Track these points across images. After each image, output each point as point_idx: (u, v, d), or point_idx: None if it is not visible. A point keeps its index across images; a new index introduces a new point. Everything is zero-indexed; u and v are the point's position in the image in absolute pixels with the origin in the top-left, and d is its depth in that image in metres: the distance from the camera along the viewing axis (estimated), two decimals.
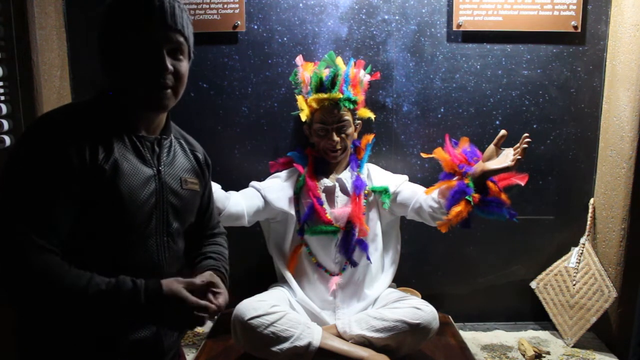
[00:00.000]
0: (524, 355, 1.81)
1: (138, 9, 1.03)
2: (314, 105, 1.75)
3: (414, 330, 1.56)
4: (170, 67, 1.05)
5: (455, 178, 1.56)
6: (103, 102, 1.07)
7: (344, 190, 1.80)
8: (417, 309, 1.59)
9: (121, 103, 1.07)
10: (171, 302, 1.00)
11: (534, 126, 2.01)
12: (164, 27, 1.04)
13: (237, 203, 1.72)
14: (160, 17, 1.04)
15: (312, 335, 1.52)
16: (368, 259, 1.78)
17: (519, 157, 1.42)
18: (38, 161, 0.96)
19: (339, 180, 1.81)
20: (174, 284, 1.02)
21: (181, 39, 1.07)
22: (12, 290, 0.94)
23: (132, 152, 1.07)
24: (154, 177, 1.10)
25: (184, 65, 1.09)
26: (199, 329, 2.00)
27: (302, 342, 1.50)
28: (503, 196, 1.50)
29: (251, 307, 1.54)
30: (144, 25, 1.03)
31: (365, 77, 1.84)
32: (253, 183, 1.83)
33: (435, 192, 1.62)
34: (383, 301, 1.74)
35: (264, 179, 1.88)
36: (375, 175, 1.85)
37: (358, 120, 1.84)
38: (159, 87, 1.05)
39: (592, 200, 2.02)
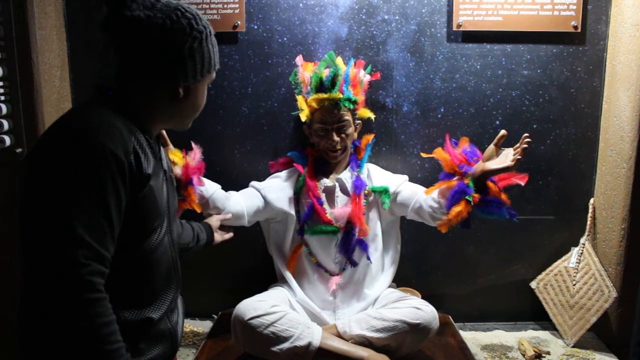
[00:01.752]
0: (524, 355, 1.81)
1: (216, 51, 1.14)
2: (314, 105, 1.75)
3: (414, 330, 1.56)
4: None
5: (455, 178, 1.56)
6: (115, 104, 1.04)
7: (344, 190, 1.80)
8: (417, 309, 1.59)
9: (129, 105, 1.06)
10: None
11: (534, 126, 2.01)
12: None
13: (237, 203, 1.73)
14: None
15: (312, 335, 1.52)
16: (368, 259, 1.78)
17: (519, 157, 1.42)
18: (96, 176, 0.90)
19: (339, 180, 1.81)
20: None
21: None
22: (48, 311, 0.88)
23: (152, 154, 1.07)
24: (164, 178, 1.13)
25: None
26: (199, 329, 2.00)
27: (302, 342, 1.50)
28: (503, 196, 1.50)
29: (251, 307, 1.54)
30: (218, 66, 1.16)
31: (365, 77, 1.84)
32: (253, 183, 1.83)
33: (435, 192, 1.62)
34: (383, 301, 1.74)
35: (264, 179, 1.88)
36: (375, 175, 1.85)
37: (358, 120, 1.84)
38: None
39: (592, 200, 2.02)
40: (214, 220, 1.69)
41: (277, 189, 1.80)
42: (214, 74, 1.16)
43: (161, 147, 1.21)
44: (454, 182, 1.54)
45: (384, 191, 1.80)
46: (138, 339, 1.08)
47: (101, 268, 0.91)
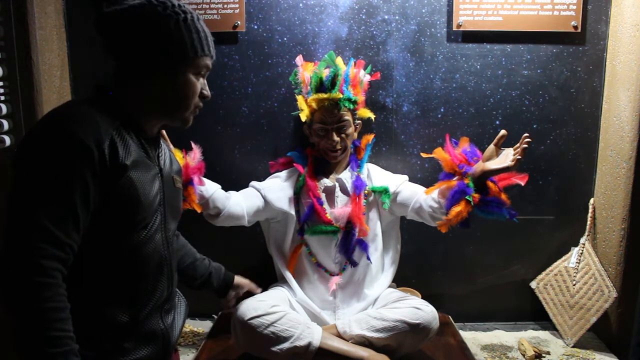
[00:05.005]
0: (524, 355, 1.81)
1: (201, 37, 1.09)
2: (314, 105, 1.75)
3: (414, 330, 1.56)
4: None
5: (455, 178, 1.56)
6: (105, 101, 1.06)
7: (344, 190, 1.80)
8: (417, 309, 1.59)
9: (121, 103, 1.07)
10: None
11: (534, 126, 2.01)
12: (211, 57, 1.14)
13: (237, 203, 1.73)
14: (212, 47, 1.13)
15: (312, 335, 1.52)
16: (368, 259, 1.78)
17: (519, 157, 1.42)
18: (61, 162, 0.93)
19: (339, 180, 1.81)
20: None
21: None
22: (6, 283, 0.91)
23: (141, 150, 1.08)
24: (158, 175, 1.12)
25: None
26: (199, 329, 2.00)
27: (302, 342, 1.50)
28: (503, 196, 1.50)
29: (251, 307, 1.54)
30: (205, 53, 1.11)
31: (365, 77, 1.84)
32: (253, 183, 1.83)
33: (435, 192, 1.62)
34: (383, 301, 1.74)
35: (264, 179, 1.88)
36: (375, 175, 1.85)
37: (358, 120, 1.84)
38: (197, 110, 1.16)
39: (592, 200, 2.02)
40: (245, 283, 1.66)
41: (277, 189, 1.80)
42: (203, 62, 1.11)
43: (163, 148, 1.21)
44: (454, 182, 1.54)
45: (384, 191, 1.80)
46: (123, 338, 1.07)
47: (59, 253, 0.92)
